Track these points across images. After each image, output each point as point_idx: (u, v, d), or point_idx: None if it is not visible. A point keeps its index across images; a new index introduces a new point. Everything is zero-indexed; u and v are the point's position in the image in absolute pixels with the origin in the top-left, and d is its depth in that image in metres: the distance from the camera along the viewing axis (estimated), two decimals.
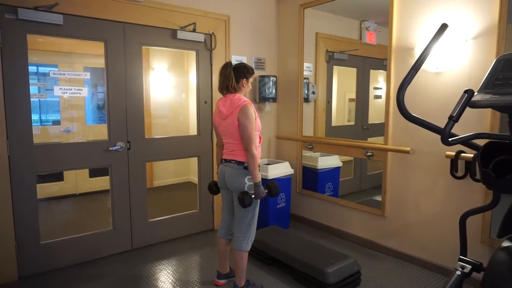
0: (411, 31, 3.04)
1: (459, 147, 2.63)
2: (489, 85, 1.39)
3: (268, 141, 4.43)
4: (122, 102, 3.30)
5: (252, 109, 2.48)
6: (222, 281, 2.86)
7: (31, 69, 2.87)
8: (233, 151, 2.58)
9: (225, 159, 2.66)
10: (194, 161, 4.00)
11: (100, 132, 4.28)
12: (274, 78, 4.19)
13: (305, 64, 4.14)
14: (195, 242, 3.70)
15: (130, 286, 2.83)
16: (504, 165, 1.44)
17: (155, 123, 5.42)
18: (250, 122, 2.44)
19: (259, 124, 2.57)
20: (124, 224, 3.42)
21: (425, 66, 2.89)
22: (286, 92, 4.32)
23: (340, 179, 4.20)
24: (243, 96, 2.59)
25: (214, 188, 2.85)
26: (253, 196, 2.47)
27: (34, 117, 2.97)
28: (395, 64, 3.17)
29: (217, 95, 3.87)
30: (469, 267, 1.72)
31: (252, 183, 2.50)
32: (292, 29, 4.19)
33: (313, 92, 4.20)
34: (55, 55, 4.50)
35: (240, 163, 2.54)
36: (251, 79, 2.64)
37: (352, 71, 4.39)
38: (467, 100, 1.34)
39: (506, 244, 1.50)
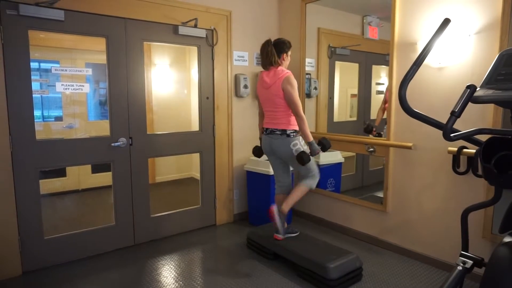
0: (414, 26, 3.02)
1: (461, 142, 2.62)
2: (491, 80, 1.38)
3: None
4: (124, 98, 3.30)
5: (294, 79, 2.83)
6: (281, 236, 3.11)
7: (33, 65, 2.87)
8: (274, 119, 2.92)
9: (267, 129, 2.99)
10: (196, 156, 4.01)
11: (102, 128, 4.29)
12: None
13: (307, 60, 4.13)
14: (197, 237, 3.72)
15: (133, 281, 2.85)
16: (506, 160, 1.43)
17: (157, 119, 5.42)
18: (294, 89, 2.80)
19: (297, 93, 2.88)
20: (127, 219, 3.44)
21: (427, 61, 2.87)
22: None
23: (342, 175, 4.20)
24: (285, 68, 2.93)
25: (258, 153, 3.21)
26: (309, 153, 2.81)
27: (37, 113, 2.98)
28: (397, 59, 3.16)
29: (218, 91, 3.89)
30: (470, 262, 1.72)
31: (298, 147, 2.86)
32: (294, 24, 4.17)
33: (315, 88, 4.19)
34: (56, 51, 4.50)
35: (283, 131, 2.89)
36: (289, 52, 2.98)
37: (354, 67, 4.37)
38: (469, 95, 1.33)
39: (507, 239, 1.50)
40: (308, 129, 2.84)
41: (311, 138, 2.84)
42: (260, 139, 3.16)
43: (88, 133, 4.99)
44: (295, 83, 2.82)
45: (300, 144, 2.89)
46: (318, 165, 4.09)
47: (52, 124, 4.71)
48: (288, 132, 2.88)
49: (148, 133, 3.50)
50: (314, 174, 3.02)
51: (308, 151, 2.86)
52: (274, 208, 3.02)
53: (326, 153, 4.13)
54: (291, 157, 2.91)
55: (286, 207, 2.99)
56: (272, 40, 2.94)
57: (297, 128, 2.90)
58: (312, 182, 3.02)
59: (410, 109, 1.47)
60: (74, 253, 3.18)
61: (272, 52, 2.86)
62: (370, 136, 3.74)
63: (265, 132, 3.03)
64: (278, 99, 2.85)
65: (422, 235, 3.11)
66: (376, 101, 4.13)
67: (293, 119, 2.89)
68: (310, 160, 2.82)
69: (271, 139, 2.97)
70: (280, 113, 2.88)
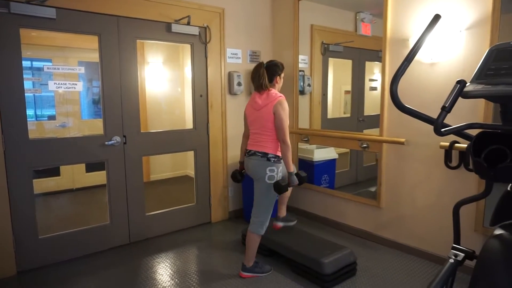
0: (406, 22, 3.04)
1: (453, 137, 2.65)
2: (481, 75, 1.39)
3: None
4: (117, 96, 3.29)
5: (287, 104, 2.73)
6: (280, 224, 3.18)
7: (25, 63, 2.86)
8: (259, 141, 2.77)
9: (249, 151, 2.83)
10: (190, 154, 4.01)
11: (96, 126, 4.27)
12: None
13: (300, 57, 4.13)
14: (193, 235, 3.72)
15: (129, 280, 2.85)
16: (496, 154, 1.45)
17: (151, 117, 5.41)
18: (286, 115, 2.70)
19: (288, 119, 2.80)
20: (122, 218, 3.43)
21: (419, 57, 2.90)
22: (282, 84, 4.31)
23: (336, 171, 4.22)
24: (277, 91, 2.83)
25: (238, 177, 3.04)
26: (286, 184, 2.69)
27: (29, 112, 2.96)
28: (390, 55, 3.18)
29: (212, 88, 3.89)
30: (462, 255, 1.74)
31: (272, 175, 2.72)
32: (287, 21, 4.18)
33: (309, 85, 4.20)
34: (49, 50, 4.47)
35: (264, 154, 2.73)
36: (282, 75, 2.89)
37: (348, 63, 4.39)
38: (460, 90, 1.34)
39: (498, 232, 1.52)
40: (291, 159, 2.70)
41: (292, 169, 2.71)
42: (240, 163, 3.02)
43: (82, 132, 4.96)
44: (287, 108, 2.71)
45: (276, 173, 2.71)
46: (312, 162, 4.11)
47: (45, 123, 4.68)
48: (269, 156, 2.71)
49: (142, 131, 3.49)
50: (267, 222, 2.82)
51: (282, 182, 2.70)
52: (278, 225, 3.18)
53: (320, 149, 4.17)
54: (261, 181, 2.73)
55: (249, 261, 2.86)
56: (265, 62, 2.84)
57: (280, 155, 2.74)
58: (261, 228, 2.80)
59: (402, 104, 1.48)
60: (69, 252, 3.17)
61: (263, 75, 2.74)
62: (364, 131, 3.76)
63: (246, 154, 2.86)
64: (268, 123, 2.71)
65: (415, 229, 3.14)
66: (370, 97, 4.15)
67: (278, 145, 2.74)
68: (287, 190, 2.69)
69: (249, 160, 2.80)
70: (266, 137, 2.73)
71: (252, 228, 2.82)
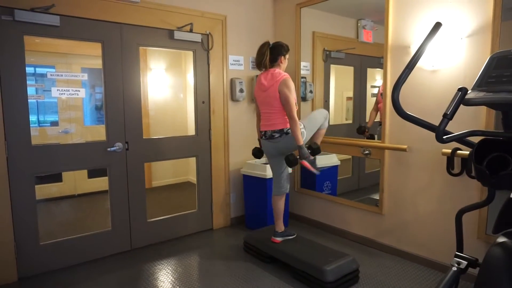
0: (407, 29, 3.06)
1: (455, 144, 2.65)
2: (482, 83, 1.40)
3: None
4: (120, 102, 3.31)
5: (291, 82, 2.88)
6: (279, 239, 3.20)
7: (29, 70, 2.87)
8: (270, 120, 2.97)
9: (265, 132, 3.03)
10: (192, 161, 4.01)
11: (98, 133, 4.28)
12: None
13: (302, 63, 4.15)
14: (194, 242, 3.71)
15: (130, 286, 2.84)
16: (498, 162, 1.45)
17: (153, 123, 5.42)
18: (291, 92, 2.84)
19: (295, 95, 2.93)
20: (123, 224, 3.43)
21: (421, 64, 2.90)
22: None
23: (338, 178, 4.21)
24: (282, 71, 2.98)
25: (258, 154, 3.28)
26: (298, 157, 2.83)
27: (32, 118, 2.97)
28: (391, 62, 3.19)
29: (214, 95, 3.90)
30: (465, 263, 1.74)
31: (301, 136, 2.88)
32: (288, 28, 4.20)
33: (311, 91, 4.21)
34: (52, 56, 4.50)
35: (281, 132, 2.94)
36: (287, 56, 3.05)
37: (349, 70, 4.40)
38: (461, 98, 1.35)
39: (501, 239, 1.51)
40: (299, 132, 2.85)
41: (301, 142, 2.84)
42: (259, 140, 3.22)
43: (84, 138, 4.98)
44: (292, 85, 2.87)
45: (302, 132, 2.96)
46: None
47: (48, 129, 4.70)
48: (285, 130, 2.92)
49: (144, 137, 3.50)
50: (286, 184, 3.17)
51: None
52: (276, 240, 3.21)
53: (322, 156, 4.16)
54: (292, 150, 2.99)
55: (279, 228, 3.21)
56: (271, 43, 3.00)
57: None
58: (283, 190, 3.16)
59: (403, 112, 1.49)
60: (70, 258, 3.16)
61: (265, 54, 2.92)
62: (365, 138, 3.76)
63: (264, 136, 3.06)
64: (275, 101, 2.89)
65: (417, 236, 3.13)
66: (371, 103, 4.15)
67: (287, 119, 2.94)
68: (297, 163, 2.87)
69: (274, 144, 3.01)
70: (276, 114, 2.93)
71: (273, 192, 3.18)
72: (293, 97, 2.85)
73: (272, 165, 3.21)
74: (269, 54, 2.94)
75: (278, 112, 2.92)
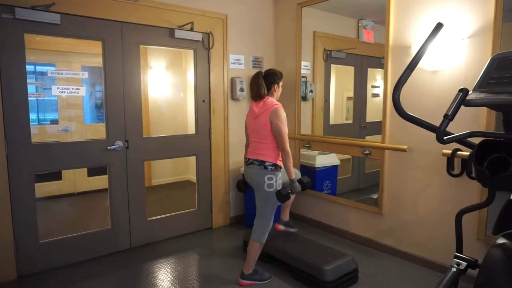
0: (408, 29, 3.05)
1: (456, 145, 2.65)
2: (483, 84, 1.40)
3: None
4: (120, 101, 3.31)
5: (283, 112, 2.70)
6: (282, 227, 3.22)
7: (29, 68, 2.87)
8: (257, 149, 2.76)
9: (248, 159, 2.83)
10: (192, 160, 4.01)
11: (99, 131, 4.28)
12: None
13: (303, 63, 4.15)
14: (194, 241, 3.71)
15: (129, 285, 2.84)
16: (498, 163, 1.45)
17: (153, 122, 5.41)
18: (282, 123, 2.66)
19: (286, 126, 2.74)
20: (123, 223, 3.43)
21: (422, 64, 2.90)
22: (284, 90, 4.28)
23: (338, 178, 4.21)
24: (275, 99, 2.81)
25: (242, 187, 3.01)
26: (289, 191, 2.68)
27: (32, 116, 2.97)
28: (392, 62, 3.18)
29: (214, 94, 3.90)
30: (464, 264, 1.74)
31: (271, 182, 2.69)
32: (289, 27, 4.20)
33: (311, 91, 4.21)
34: (52, 54, 4.49)
35: (261, 162, 2.71)
36: (281, 83, 2.88)
37: (350, 70, 4.40)
38: (462, 99, 1.35)
39: (500, 241, 1.51)
40: (292, 166, 2.69)
41: (293, 176, 2.68)
42: (243, 174, 2.99)
43: (84, 136, 4.97)
44: (284, 116, 2.69)
45: (275, 181, 2.69)
46: (314, 168, 4.11)
47: (47, 127, 4.69)
48: (266, 164, 2.69)
49: (144, 136, 3.50)
50: (267, 225, 2.80)
51: (282, 189, 2.70)
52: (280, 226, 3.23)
53: (322, 155, 4.17)
54: (260, 189, 2.72)
55: (249, 268, 2.84)
56: (263, 71, 2.85)
57: (280, 164, 2.73)
58: (262, 235, 2.79)
59: (404, 112, 1.49)
60: (69, 256, 3.17)
61: (261, 84, 2.75)
62: (367, 138, 3.76)
63: (246, 163, 2.87)
64: (265, 131, 2.70)
65: (417, 237, 3.13)
66: (372, 104, 4.15)
67: (277, 154, 2.72)
68: (289, 198, 2.67)
69: (248, 169, 2.81)
70: (265, 145, 2.72)
71: (254, 236, 2.81)
72: (285, 127, 2.68)
73: (256, 200, 2.89)
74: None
75: (268, 144, 2.71)
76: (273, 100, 2.76)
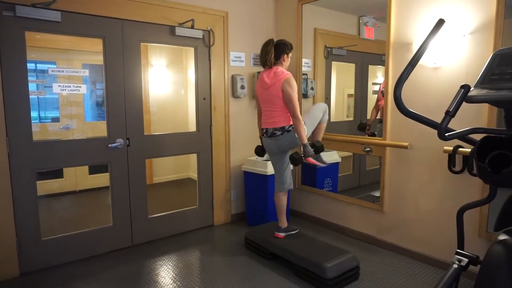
0: (409, 26, 3.04)
1: (457, 141, 2.64)
2: (485, 80, 1.40)
3: None
4: (121, 99, 3.31)
5: (294, 81, 2.89)
6: (282, 234, 3.21)
7: (30, 66, 2.87)
8: (272, 118, 2.99)
9: (266, 130, 3.05)
10: (193, 157, 4.01)
11: (100, 129, 4.28)
12: None
13: (304, 60, 4.14)
14: (195, 238, 3.72)
15: (131, 282, 2.85)
16: (500, 159, 1.45)
17: (154, 119, 5.41)
18: (294, 91, 2.86)
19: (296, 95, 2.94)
20: (124, 220, 3.44)
21: (423, 61, 2.89)
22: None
23: (339, 175, 4.21)
24: (284, 69, 2.99)
25: (261, 152, 3.29)
26: (302, 155, 2.90)
27: (33, 114, 2.97)
28: (393, 59, 3.18)
29: (215, 91, 3.90)
30: (465, 260, 1.73)
31: (297, 139, 2.94)
32: (290, 25, 4.19)
33: (312, 88, 4.21)
34: (53, 52, 4.49)
35: (282, 129, 2.97)
36: (290, 54, 3.06)
37: (351, 67, 4.39)
38: (464, 95, 1.34)
39: (502, 237, 1.51)
40: (304, 131, 2.88)
41: (305, 140, 2.89)
42: (261, 138, 3.22)
43: (85, 134, 4.97)
44: (295, 85, 2.88)
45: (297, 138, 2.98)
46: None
47: (49, 125, 4.70)
48: (287, 128, 2.95)
49: (145, 134, 3.50)
50: (287, 181, 3.17)
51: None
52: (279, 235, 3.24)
53: (323, 153, 4.16)
54: (287, 150, 3.09)
55: (282, 224, 3.23)
56: (275, 40, 3.01)
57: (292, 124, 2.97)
58: (281, 186, 3.17)
59: (405, 109, 1.48)
60: (71, 254, 3.18)
61: (270, 52, 2.91)
62: (366, 135, 3.76)
63: (265, 134, 3.08)
64: (277, 100, 2.91)
65: (418, 234, 3.13)
66: (373, 101, 4.15)
67: (289, 117, 2.95)
68: (302, 161, 2.92)
69: (275, 141, 3.03)
70: (277, 111, 2.95)
71: (276, 189, 3.18)
72: (296, 95, 2.88)
73: (274, 163, 3.22)
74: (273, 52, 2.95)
75: (280, 110, 2.94)
76: (283, 70, 2.94)
